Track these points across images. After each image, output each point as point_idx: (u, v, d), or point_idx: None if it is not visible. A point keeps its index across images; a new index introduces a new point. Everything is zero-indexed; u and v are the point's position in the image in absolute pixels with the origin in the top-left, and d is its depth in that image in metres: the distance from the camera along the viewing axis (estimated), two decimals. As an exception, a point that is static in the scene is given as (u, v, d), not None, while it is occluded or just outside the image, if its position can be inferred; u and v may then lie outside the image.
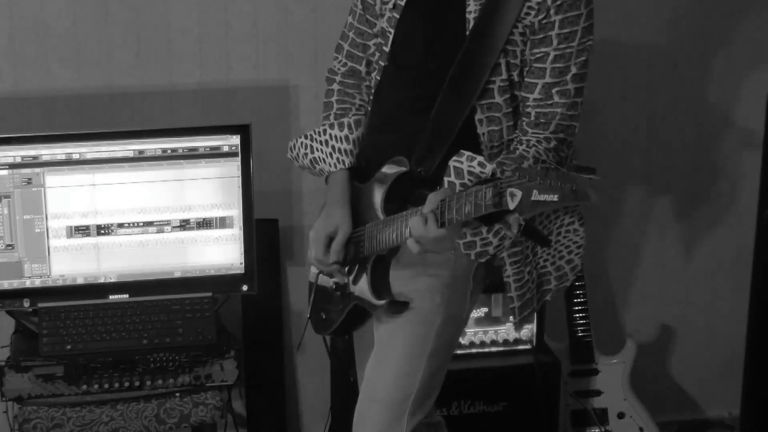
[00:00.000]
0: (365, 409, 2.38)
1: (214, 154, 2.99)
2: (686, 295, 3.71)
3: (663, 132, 3.57)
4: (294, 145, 2.51)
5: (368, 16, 2.44)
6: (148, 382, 2.88)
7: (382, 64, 2.39)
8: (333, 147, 2.43)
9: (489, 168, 2.07)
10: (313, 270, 2.54)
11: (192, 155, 2.98)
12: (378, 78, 2.41)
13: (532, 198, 1.84)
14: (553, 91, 2.23)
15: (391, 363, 2.34)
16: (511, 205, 1.87)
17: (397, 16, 2.35)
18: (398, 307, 2.30)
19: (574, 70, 2.23)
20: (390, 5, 2.36)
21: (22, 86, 3.18)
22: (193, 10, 3.23)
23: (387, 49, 2.37)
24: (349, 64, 2.49)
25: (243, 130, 2.99)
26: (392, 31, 2.35)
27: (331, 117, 2.48)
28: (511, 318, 2.43)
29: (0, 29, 3.14)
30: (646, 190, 3.62)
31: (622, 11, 3.43)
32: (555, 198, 1.84)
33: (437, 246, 2.08)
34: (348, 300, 2.38)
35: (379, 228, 2.25)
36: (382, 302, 2.27)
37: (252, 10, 3.26)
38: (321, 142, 2.45)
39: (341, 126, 2.43)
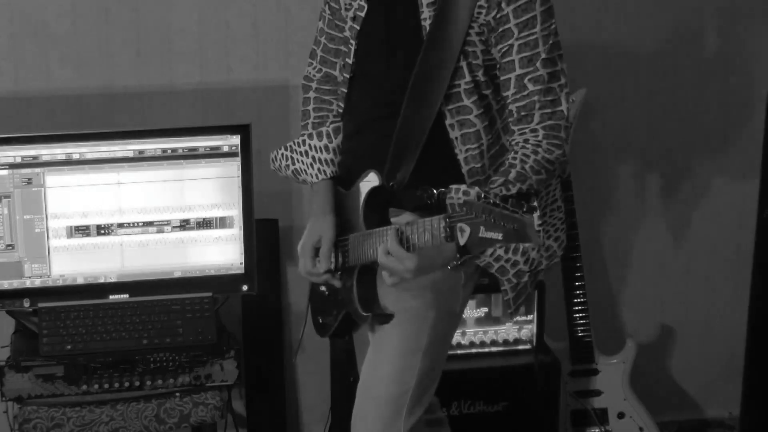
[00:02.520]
0: (362, 407, 2.39)
1: (214, 154, 2.99)
2: (686, 295, 3.71)
3: (662, 132, 3.56)
4: (275, 157, 2.51)
5: (336, 21, 2.43)
6: (148, 382, 2.87)
7: (346, 76, 2.38)
8: (313, 157, 2.43)
9: (473, 194, 2.07)
10: None
11: (192, 155, 2.97)
12: (344, 90, 2.40)
13: (480, 235, 1.85)
14: (525, 80, 2.20)
15: (386, 359, 2.34)
16: (462, 240, 1.88)
17: (358, 27, 2.34)
18: (383, 319, 2.31)
19: (543, 55, 2.20)
20: (351, 15, 2.35)
21: (22, 86, 3.18)
22: (193, 10, 3.23)
23: (350, 60, 2.36)
24: (324, 69, 2.49)
25: (243, 130, 2.99)
26: (354, 42, 2.35)
27: (309, 126, 2.48)
28: (508, 311, 2.42)
29: (0, 29, 3.14)
30: (646, 190, 3.62)
31: (623, 13, 3.43)
32: (500, 236, 1.84)
33: (415, 274, 2.10)
34: (340, 307, 2.40)
35: (359, 240, 2.26)
36: (368, 315, 2.29)
37: (252, 10, 3.26)
38: (301, 153, 2.45)
39: (320, 135, 2.43)
